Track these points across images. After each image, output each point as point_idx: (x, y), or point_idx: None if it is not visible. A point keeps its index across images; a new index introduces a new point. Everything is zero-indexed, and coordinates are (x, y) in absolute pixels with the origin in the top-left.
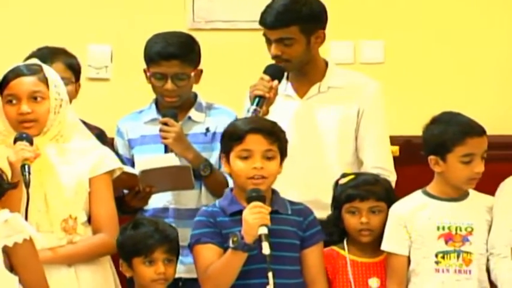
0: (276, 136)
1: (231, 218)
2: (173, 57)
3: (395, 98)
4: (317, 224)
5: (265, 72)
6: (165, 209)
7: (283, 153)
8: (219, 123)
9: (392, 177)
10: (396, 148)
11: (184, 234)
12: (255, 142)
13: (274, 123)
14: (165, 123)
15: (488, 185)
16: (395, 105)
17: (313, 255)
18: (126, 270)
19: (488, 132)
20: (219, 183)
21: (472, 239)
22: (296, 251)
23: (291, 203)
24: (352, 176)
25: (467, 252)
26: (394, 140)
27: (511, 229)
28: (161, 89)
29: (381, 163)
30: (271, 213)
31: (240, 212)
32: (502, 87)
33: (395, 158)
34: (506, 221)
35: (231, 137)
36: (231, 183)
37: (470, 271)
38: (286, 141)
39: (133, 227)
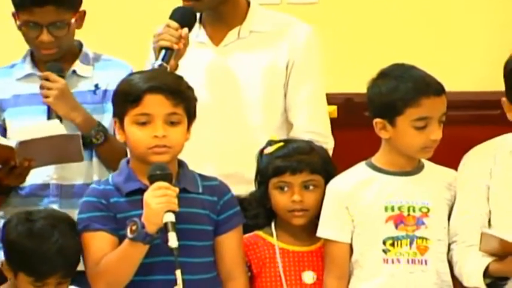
0: (181, 96)
1: (128, 198)
2: (47, 2)
3: (333, 47)
4: (235, 204)
5: (171, 17)
6: (45, 186)
7: (190, 116)
8: (110, 78)
9: (329, 144)
10: (333, 108)
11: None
12: (155, 104)
13: (179, 79)
14: (47, 79)
15: (448, 154)
16: (332, 56)
17: (230, 243)
18: (7, 271)
19: (448, 89)
20: (115, 153)
21: (428, 221)
22: (208, 238)
23: (203, 178)
24: (280, 144)
25: (422, 238)
26: (331, 99)
27: (480, 213)
28: (35, 40)
29: (315, 127)
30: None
31: (138, 191)
32: (467, 32)
33: (332, 120)
34: (472, 203)
35: (126, 98)
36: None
37: (426, 261)
38: (194, 100)
39: (29, 234)
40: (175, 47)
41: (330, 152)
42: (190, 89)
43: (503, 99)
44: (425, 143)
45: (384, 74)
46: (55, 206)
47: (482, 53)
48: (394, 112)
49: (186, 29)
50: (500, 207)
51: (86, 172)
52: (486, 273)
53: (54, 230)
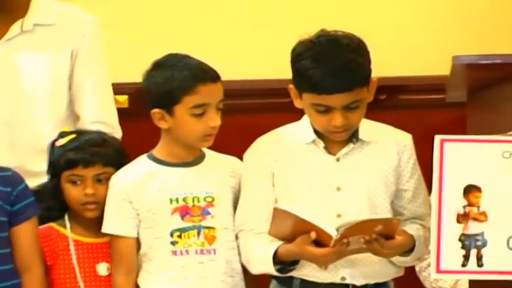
0: None
1: None
2: None
3: (122, 37)
4: (29, 194)
5: None
6: None
7: None
8: None
9: (117, 134)
10: (124, 98)
11: None
12: None
13: None
14: None
15: (238, 143)
16: (121, 46)
17: (25, 234)
18: None
19: (237, 77)
20: None
21: (214, 211)
22: (2, 230)
23: None
24: (72, 136)
25: (209, 228)
26: (122, 88)
27: (267, 201)
28: None
29: (102, 117)
30: None
31: None
32: (250, 22)
33: (123, 110)
34: (258, 191)
35: None
36: None
37: (214, 250)
38: None
39: None
40: None
41: None
42: None
43: (290, 86)
44: (205, 130)
45: (158, 65)
46: None
47: (269, 42)
48: (171, 101)
49: None
50: (285, 194)
51: None
52: (275, 259)
53: None
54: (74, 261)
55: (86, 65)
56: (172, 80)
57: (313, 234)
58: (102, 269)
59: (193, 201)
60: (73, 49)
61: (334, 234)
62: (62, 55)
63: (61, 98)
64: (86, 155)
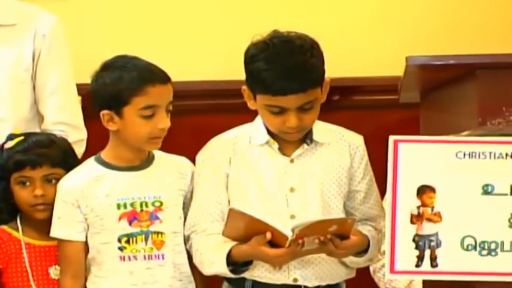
0: None
1: None
2: None
3: (73, 33)
4: None
5: None
6: None
7: None
8: None
9: (81, 135)
10: (78, 99)
11: None
12: None
13: None
14: None
15: (189, 144)
16: (74, 44)
17: None
18: None
19: (185, 79)
20: None
21: (163, 215)
22: None
23: None
24: (20, 138)
25: (157, 233)
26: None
27: (220, 202)
28: None
29: (64, 117)
30: None
31: None
32: (200, 23)
33: None
34: (211, 192)
35: None
36: None
37: (163, 255)
38: None
39: None
40: None
41: (84, 142)
42: None
43: (244, 87)
44: (153, 132)
45: (107, 66)
46: None
47: (220, 42)
48: (120, 102)
49: None
50: (239, 195)
51: None
52: (228, 260)
53: None
54: (27, 264)
55: (48, 65)
56: (121, 81)
57: (268, 235)
58: (55, 272)
59: (141, 206)
60: (35, 49)
61: (289, 234)
62: (23, 56)
63: (23, 98)
64: (32, 156)
